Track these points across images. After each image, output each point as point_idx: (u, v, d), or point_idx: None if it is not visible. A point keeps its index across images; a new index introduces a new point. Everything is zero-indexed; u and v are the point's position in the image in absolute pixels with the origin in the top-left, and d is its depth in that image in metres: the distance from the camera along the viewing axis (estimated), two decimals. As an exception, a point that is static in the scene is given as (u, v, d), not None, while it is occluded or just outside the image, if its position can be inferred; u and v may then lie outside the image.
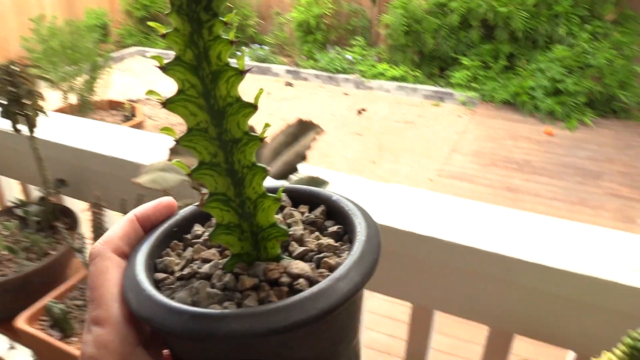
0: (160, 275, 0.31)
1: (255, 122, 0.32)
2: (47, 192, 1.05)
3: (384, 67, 5.72)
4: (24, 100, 0.89)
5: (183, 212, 0.35)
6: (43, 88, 0.96)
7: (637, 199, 4.07)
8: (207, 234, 0.33)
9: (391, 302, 3.22)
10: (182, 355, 0.29)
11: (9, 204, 1.18)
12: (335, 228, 0.33)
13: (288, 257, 0.32)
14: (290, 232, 0.32)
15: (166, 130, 0.28)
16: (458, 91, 5.42)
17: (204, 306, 0.28)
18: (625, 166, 4.55)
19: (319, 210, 0.35)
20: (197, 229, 0.35)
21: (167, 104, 0.27)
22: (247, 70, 0.27)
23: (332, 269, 0.30)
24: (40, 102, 0.92)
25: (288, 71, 6.14)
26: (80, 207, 1.19)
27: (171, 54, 0.27)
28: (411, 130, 4.89)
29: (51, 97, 3.13)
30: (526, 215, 0.76)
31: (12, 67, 0.87)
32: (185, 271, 0.31)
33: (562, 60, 5.13)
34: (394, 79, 5.62)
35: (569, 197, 4.04)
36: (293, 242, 0.33)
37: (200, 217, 0.35)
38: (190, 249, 0.33)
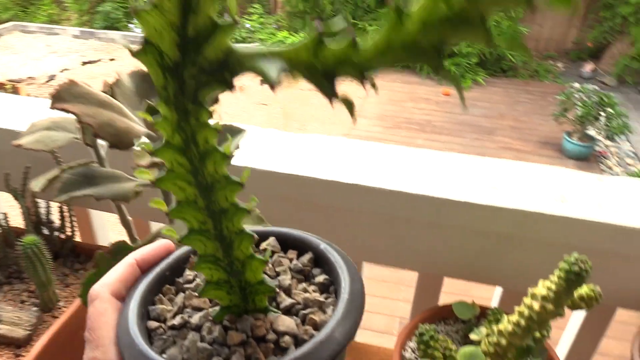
0: (153, 324, 0.33)
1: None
2: None
3: (284, 35, 5.63)
4: None
5: (175, 254, 0.36)
6: None
7: (528, 151, 4.37)
8: (197, 280, 0.35)
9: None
10: None
11: None
12: (321, 279, 0.34)
13: (275, 310, 0.33)
14: (279, 280, 0.34)
15: (156, 203, 0.30)
16: (359, 56, 5.45)
17: None
18: (515, 121, 4.86)
19: (306, 258, 0.36)
20: (189, 272, 0.36)
21: (157, 182, 0.28)
22: (233, 156, 0.28)
23: (316, 326, 0.31)
24: None
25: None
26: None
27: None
28: (316, 98, 4.88)
29: None
30: (451, 156, 0.74)
31: None
32: (177, 321, 0.32)
33: (455, 23, 5.31)
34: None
35: (468, 153, 4.24)
36: (281, 292, 0.34)
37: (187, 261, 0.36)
38: (182, 294, 0.34)
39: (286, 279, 0.34)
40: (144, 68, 0.25)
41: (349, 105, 0.24)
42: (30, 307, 0.69)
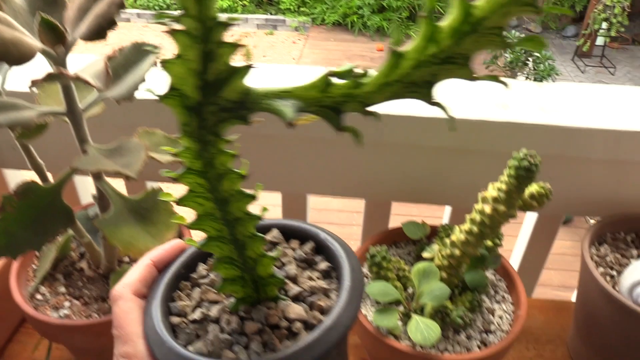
0: (176, 320, 0.35)
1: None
2: None
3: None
4: None
5: (188, 252, 0.39)
6: None
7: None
8: (211, 275, 0.38)
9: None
10: None
11: None
12: (324, 266, 0.37)
13: (285, 297, 0.36)
14: (285, 271, 0.37)
15: (178, 219, 0.33)
16: (289, 17, 5.34)
17: (217, 353, 0.33)
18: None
19: (308, 247, 0.39)
20: (202, 267, 0.39)
21: (180, 202, 0.31)
22: (248, 176, 0.31)
23: (323, 311, 0.35)
24: None
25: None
26: None
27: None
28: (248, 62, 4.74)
29: None
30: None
31: None
32: (197, 315, 0.35)
33: (383, -23, 5.28)
34: (222, 10, 5.35)
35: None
36: (288, 282, 0.37)
37: (203, 255, 0.39)
38: (197, 289, 0.37)
39: (292, 269, 0.37)
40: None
41: (356, 134, 0.27)
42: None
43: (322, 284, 0.36)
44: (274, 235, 0.40)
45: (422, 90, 0.26)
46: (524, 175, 0.49)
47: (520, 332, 0.56)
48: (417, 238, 0.65)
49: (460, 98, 0.65)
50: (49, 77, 0.39)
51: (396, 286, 0.59)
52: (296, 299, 0.36)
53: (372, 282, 0.58)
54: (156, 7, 5.40)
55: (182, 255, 0.39)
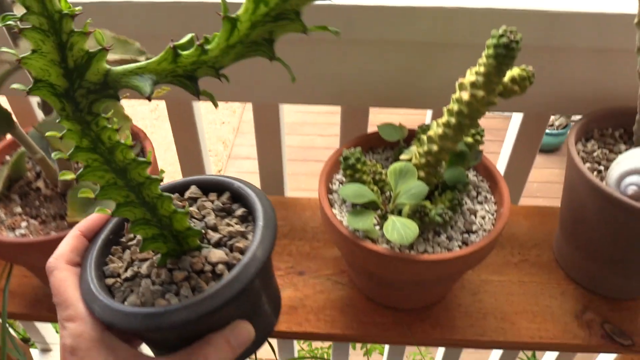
0: (110, 281, 0.38)
1: None
2: None
3: None
4: None
5: (114, 220, 0.41)
6: None
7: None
8: (138, 236, 0.40)
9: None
10: (142, 338, 0.39)
11: None
12: (240, 212, 0.41)
13: (207, 245, 0.39)
14: (205, 222, 0.40)
15: (84, 193, 0.34)
16: None
17: (151, 302, 0.36)
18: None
19: (225, 197, 0.42)
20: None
21: (80, 178, 0.32)
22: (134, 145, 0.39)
23: (242, 251, 0.38)
24: None
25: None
26: None
27: None
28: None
29: None
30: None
31: None
32: (129, 273, 0.38)
33: None
34: None
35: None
36: (209, 231, 0.40)
37: (127, 220, 0.40)
38: (128, 251, 0.40)
39: (211, 219, 0.40)
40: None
41: (212, 98, 0.31)
42: None
43: (240, 228, 0.40)
44: (192, 191, 0.43)
45: (263, 47, 0.29)
46: (504, 53, 0.45)
47: (503, 229, 0.54)
48: (394, 140, 0.62)
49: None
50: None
51: (372, 190, 0.56)
52: (217, 245, 0.39)
53: (346, 184, 0.55)
54: None
55: (109, 222, 0.41)
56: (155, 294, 0.36)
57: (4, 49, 0.29)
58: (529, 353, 1.82)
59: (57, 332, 1.29)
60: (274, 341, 1.31)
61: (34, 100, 0.76)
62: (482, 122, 0.54)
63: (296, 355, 1.22)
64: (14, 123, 0.48)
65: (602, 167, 0.60)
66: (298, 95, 0.68)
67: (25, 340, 1.41)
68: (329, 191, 0.60)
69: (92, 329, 0.34)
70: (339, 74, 0.65)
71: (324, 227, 0.57)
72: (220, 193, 0.43)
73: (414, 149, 0.58)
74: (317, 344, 1.53)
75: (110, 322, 0.34)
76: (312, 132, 2.90)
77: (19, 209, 0.57)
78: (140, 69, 0.29)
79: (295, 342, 1.13)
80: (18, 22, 0.25)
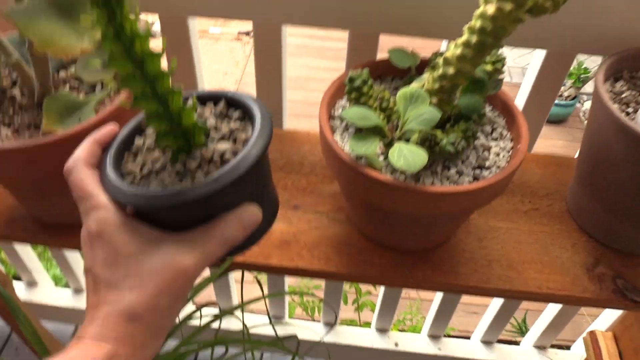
0: (129, 178, 0.41)
1: None
2: None
3: None
4: None
5: (124, 130, 0.43)
6: None
7: None
8: (147, 142, 0.43)
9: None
10: (161, 222, 0.39)
11: None
12: (237, 114, 0.44)
13: (212, 140, 0.42)
14: (208, 125, 0.43)
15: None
16: None
17: (171, 187, 0.38)
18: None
19: (221, 105, 0.45)
20: (137, 141, 0.43)
21: (106, 65, 0.34)
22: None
23: (244, 141, 0.41)
24: None
25: None
26: None
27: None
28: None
29: None
30: None
31: None
32: (145, 170, 0.40)
33: None
34: None
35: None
36: (212, 130, 0.43)
37: (136, 132, 0.44)
38: (139, 155, 0.42)
39: (212, 122, 0.43)
40: None
41: None
42: None
43: (239, 125, 0.42)
44: (190, 103, 0.46)
45: None
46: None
47: (520, 166, 0.49)
48: (405, 67, 0.56)
49: None
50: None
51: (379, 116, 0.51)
52: (222, 139, 0.41)
53: (350, 107, 0.50)
54: None
55: (120, 133, 0.43)
56: (176, 178, 0.39)
57: None
58: (520, 318, 1.81)
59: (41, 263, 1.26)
60: (263, 277, 1.28)
61: None
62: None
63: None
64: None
65: (630, 109, 0.55)
66: (303, 15, 0.62)
67: (16, 279, 1.38)
68: (331, 117, 0.55)
69: (116, 215, 0.37)
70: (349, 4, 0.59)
71: (323, 153, 0.53)
72: (216, 102, 0.45)
73: (426, 76, 0.53)
74: (308, 297, 1.51)
75: (138, 204, 0.36)
76: (317, 87, 2.83)
77: (-9, 117, 0.52)
78: None
79: (286, 279, 1.09)
80: None
